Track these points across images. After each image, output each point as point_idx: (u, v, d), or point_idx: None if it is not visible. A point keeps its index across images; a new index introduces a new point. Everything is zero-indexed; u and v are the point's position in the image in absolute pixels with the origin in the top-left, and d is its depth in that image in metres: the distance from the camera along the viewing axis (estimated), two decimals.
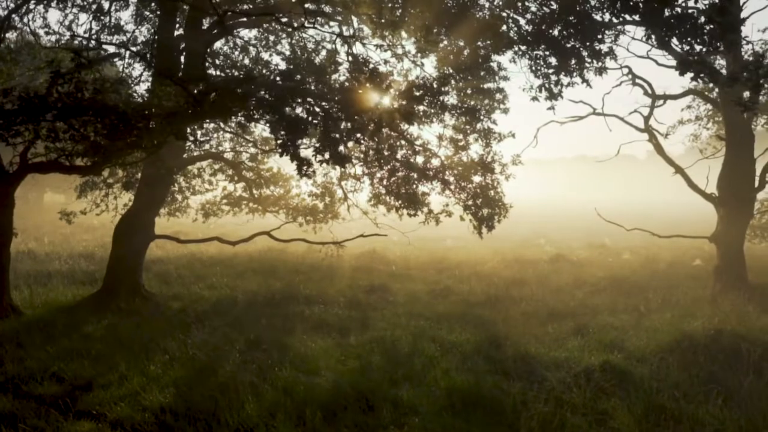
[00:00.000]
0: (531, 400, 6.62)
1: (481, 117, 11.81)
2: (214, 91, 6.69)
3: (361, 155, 12.00)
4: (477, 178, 12.15)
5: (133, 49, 15.04)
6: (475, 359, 8.17)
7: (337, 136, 6.96)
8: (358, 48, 15.65)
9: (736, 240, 13.47)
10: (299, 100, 6.93)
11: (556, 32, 8.24)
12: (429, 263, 18.20)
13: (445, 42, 12.03)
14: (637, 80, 15.06)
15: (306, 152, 8.31)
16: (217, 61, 15.81)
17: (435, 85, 10.47)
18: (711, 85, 12.51)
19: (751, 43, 15.52)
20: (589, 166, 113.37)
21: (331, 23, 15.43)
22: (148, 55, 13.31)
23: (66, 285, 13.22)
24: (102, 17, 14.68)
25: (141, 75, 15.15)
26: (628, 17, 7.64)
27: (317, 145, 7.05)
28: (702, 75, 7.40)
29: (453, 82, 11.81)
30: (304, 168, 6.73)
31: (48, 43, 14.64)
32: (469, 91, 12.79)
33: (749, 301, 11.42)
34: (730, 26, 6.98)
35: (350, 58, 13.50)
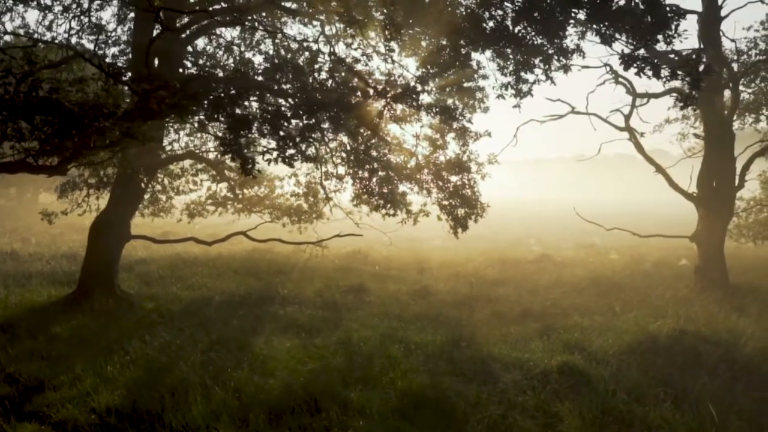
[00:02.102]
0: (484, 402, 6.54)
1: (457, 116, 11.72)
2: (161, 89, 6.63)
3: (344, 155, 11.92)
4: (453, 178, 12.07)
5: (115, 50, 15.04)
6: (437, 360, 8.09)
7: (291, 134, 6.90)
8: (341, 48, 15.55)
9: (717, 239, 13.31)
10: (254, 98, 6.87)
11: (518, 29, 8.14)
12: (412, 263, 18.08)
13: (425, 42, 11.96)
14: (620, 79, 14.98)
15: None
16: (201, 61, 15.77)
17: (413, 84, 10.39)
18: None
19: (735, 41, 15.41)
20: (587, 165, 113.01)
21: (314, 23, 15.40)
22: (116, 58, 13.28)
23: (44, 285, 13.17)
24: (81, 17, 14.64)
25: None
26: (575, 13, 7.54)
27: (273, 143, 7.01)
28: (645, 70, 7.32)
29: (431, 81, 11.73)
30: (249, 167, 6.68)
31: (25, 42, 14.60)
32: (447, 90, 12.71)
33: (724, 302, 11.27)
34: (662, 21, 6.90)
35: (332, 57, 13.45)
